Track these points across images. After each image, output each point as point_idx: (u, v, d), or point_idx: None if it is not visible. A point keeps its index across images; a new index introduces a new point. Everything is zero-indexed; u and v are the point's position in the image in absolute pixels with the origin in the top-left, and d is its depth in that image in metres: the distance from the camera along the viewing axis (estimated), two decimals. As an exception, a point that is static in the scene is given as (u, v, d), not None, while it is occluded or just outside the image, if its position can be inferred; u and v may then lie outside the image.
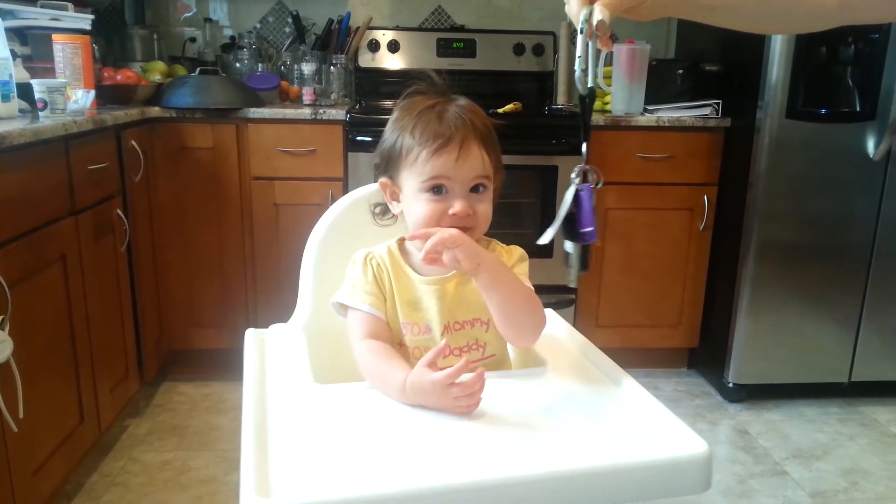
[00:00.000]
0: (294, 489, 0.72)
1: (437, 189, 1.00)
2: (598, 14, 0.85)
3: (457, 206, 0.99)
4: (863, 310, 2.44)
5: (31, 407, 1.52)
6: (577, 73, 0.89)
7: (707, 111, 2.48)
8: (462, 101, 1.04)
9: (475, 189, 1.01)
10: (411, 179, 1.01)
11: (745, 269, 2.41)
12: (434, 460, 0.79)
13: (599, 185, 0.92)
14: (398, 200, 1.06)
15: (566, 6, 0.89)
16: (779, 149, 2.30)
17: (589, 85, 0.91)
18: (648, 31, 2.97)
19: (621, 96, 2.54)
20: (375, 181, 1.11)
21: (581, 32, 0.87)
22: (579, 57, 0.88)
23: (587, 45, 0.88)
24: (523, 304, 0.99)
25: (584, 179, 0.92)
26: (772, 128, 2.28)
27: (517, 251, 1.09)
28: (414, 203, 1.02)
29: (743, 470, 2.10)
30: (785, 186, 2.33)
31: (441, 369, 0.88)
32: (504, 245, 1.10)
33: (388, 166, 1.05)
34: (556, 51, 2.92)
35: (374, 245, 1.10)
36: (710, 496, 1.95)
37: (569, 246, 0.90)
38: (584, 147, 0.93)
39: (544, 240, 0.91)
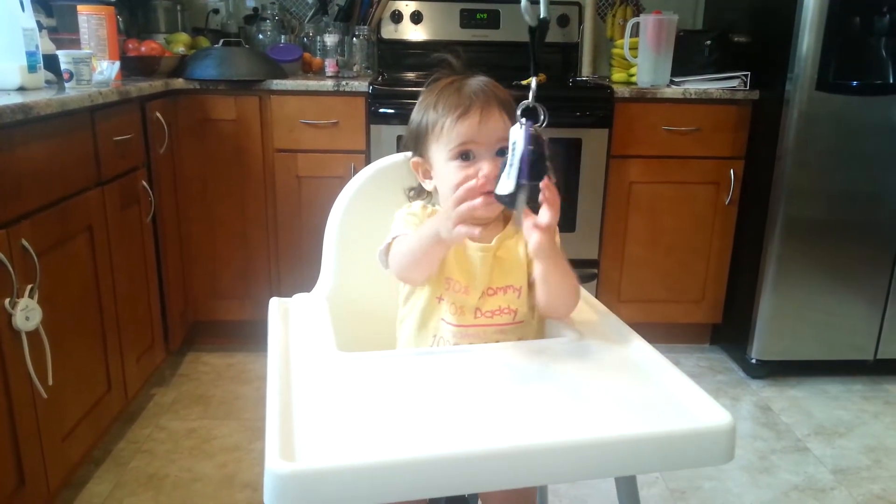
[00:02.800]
0: (318, 454, 0.73)
1: (464, 155, 1.03)
2: None
3: (485, 168, 1.01)
4: (890, 287, 2.40)
5: (59, 375, 1.55)
6: (524, 3, 0.88)
7: (735, 83, 2.43)
8: (481, 76, 1.08)
9: (501, 153, 1.03)
10: (439, 151, 1.06)
11: (771, 245, 2.38)
12: (457, 427, 0.79)
13: (543, 124, 0.91)
14: (430, 177, 1.11)
15: None
16: (808, 122, 2.26)
17: (541, 16, 0.88)
18: (676, 1, 2.91)
19: (647, 68, 2.50)
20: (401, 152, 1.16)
21: None
22: None
23: None
24: (570, 283, 1.04)
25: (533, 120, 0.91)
26: (801, 100, 2.24)
27: None
28: (444, 172, 1.06)
29: (765, 446, 2.09)
30: (813, 161, 2.29)
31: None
32: None
33: (418, 145, 1.10)
34: (581, 21, 2.87)
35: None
36: (731, 471, 1.95)
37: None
38: (533, 81, 0.93)
39: (502, 190, 0.91)
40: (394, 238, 1.08)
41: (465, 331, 1.07)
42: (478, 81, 1.07)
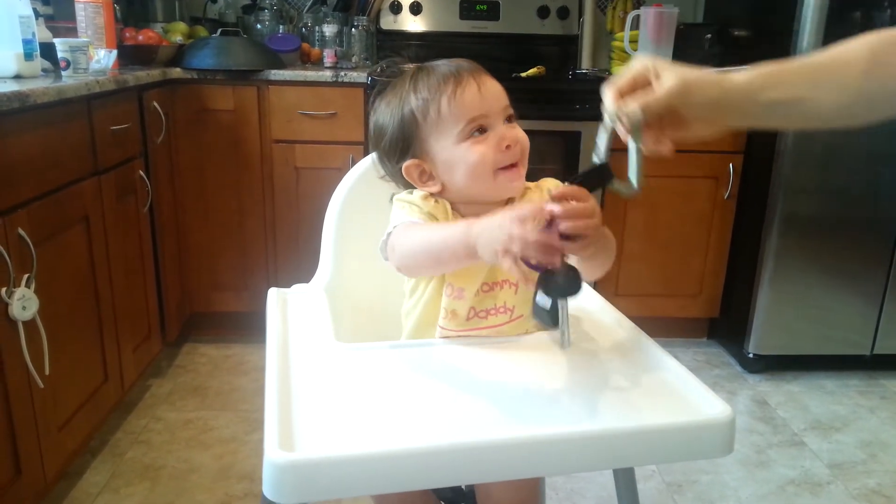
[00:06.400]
0: (317, 444, 0.73)
1: (478, 130, 0.92)
2: (636, 111, 0.80)
3: (508, 137, 0.91)
4: (888, 283, 2.40)
5: (56, 365, 1.54)
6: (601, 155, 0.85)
7: (735, 77, 2.42)
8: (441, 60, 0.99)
9: (508, 120, 0.94)
10: (443, 139, 0.93)
11: (769, 240, 2.38)
12: (456, 419, 0.79)
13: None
14: (432, 178, 0.97)
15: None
16: (808, 117, 2.25)
17: (635, 187, 0.86)
18: (676, -6, 2.90)
19: (647, 61, 2.49)
20: (383, 174, 1.04)
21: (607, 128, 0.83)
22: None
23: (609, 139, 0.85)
24: (610, 250, 0.93)
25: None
26: (801, 95, 2.23)
27: (548, 182, 1.03)
28: (458, 158, 0.93)
29: (761, 440, 2.10)
30: (812, 156, 2.29)
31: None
32: (530, 183, 1.04)
33: (407, 147, 0.96)
34: (580, 14, 2.86)
35: None
36: (727, 465, 1.95)
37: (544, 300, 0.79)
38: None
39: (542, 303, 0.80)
40: (395, 227, 0.96)
41: (458, 336, 0.99)
42: (446, 60, 0.96)
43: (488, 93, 0.93)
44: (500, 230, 0.76)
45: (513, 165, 0.94)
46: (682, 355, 2.64)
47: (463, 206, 0.99)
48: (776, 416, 2.24)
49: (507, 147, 0.92)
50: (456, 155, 0.93)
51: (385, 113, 0.98)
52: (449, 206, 0.98)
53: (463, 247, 0.82)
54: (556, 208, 0.77)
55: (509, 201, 1.00)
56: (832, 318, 2.44)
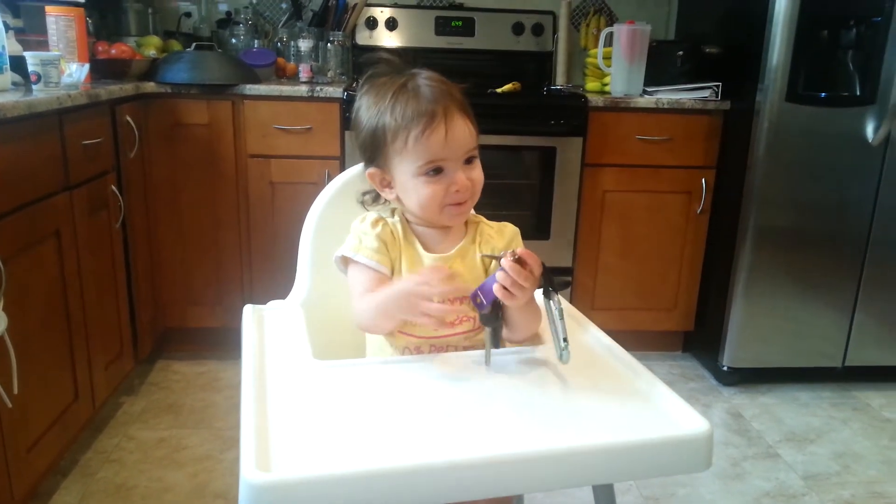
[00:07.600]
0: (294, 464, 0.72)
1: (434, 171, 1.00)
2: None
3: (458, 183, 1.00)
4: (858, 295, 2.44)
5: (25, 383, 1.51)
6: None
7: (707, 93, 2.46)
8: (427, 72, 1.03)
9: (468, 161, 1.02)
10: (403, 166, 1.01)
11: (742, 253, 2.41)
12: (434, 437, 0.78)
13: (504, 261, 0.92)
14: (390, 187, 1.06)
15: None
16: (778, 132, 2.29)
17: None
18: (649, 11, 2.95)
19: (620, 77, 2.52)
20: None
21: None
22: None
23: None
24: (534, 319, 1.03)
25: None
26: (771, 111, 2.27)
27: (508, 229, 1.11)
28: (412, 188, 1.02)
29: (736, 452, 2.11)
30: (783, 170, 2.33)
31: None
32: (493, 223, 1.12)
33: (374, 153, 1.04)
34: (555, 31, 2.89)
35: None
36: (704, 478, 1.96)
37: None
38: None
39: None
40: (349, 261, 1.05)
41: (429, 342, 1.06)
42: (430, 82, 1.01)
43: (454, 139, 0.99)
44: (410, 309, 0.93)
45: (460, 203, 1.02)
46: (658, 368, 2.65)
47: (414, 219, 1.08)
48: (751, 429, 2.25)
49: (457, 192, 1.01)
50: (411, 185, 1.02)
51: (365, 112, 1.03)
52: (400, 227, 1.07)
53: (396, 311, 0.96)
54: (507, 264, 0.92)
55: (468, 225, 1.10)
56: (804, 330, 2.47)
